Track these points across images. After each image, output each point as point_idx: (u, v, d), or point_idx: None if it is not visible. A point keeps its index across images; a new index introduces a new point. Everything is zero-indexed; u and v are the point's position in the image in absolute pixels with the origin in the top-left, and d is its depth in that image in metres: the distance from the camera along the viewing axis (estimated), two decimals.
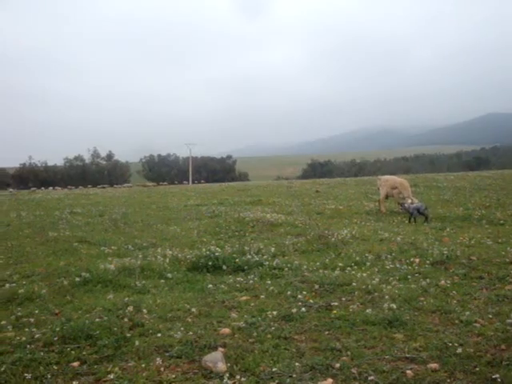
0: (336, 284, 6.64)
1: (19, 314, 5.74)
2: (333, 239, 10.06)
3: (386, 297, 5.94)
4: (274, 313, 5.50)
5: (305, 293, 6.27)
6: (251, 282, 7.03)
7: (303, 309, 5.62)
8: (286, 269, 7.66)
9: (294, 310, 5.54)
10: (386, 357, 4.30)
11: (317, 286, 6.57)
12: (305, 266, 7.80)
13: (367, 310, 5.46)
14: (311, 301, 5.96)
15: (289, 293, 6.33)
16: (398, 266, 7.62)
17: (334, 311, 5.55)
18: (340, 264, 7.83)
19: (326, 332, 4.99)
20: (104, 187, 58.73)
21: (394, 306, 5.52)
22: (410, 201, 13.43)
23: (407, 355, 4.31)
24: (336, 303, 5.82)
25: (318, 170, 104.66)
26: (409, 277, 6.93)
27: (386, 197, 15.70)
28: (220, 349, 4.56)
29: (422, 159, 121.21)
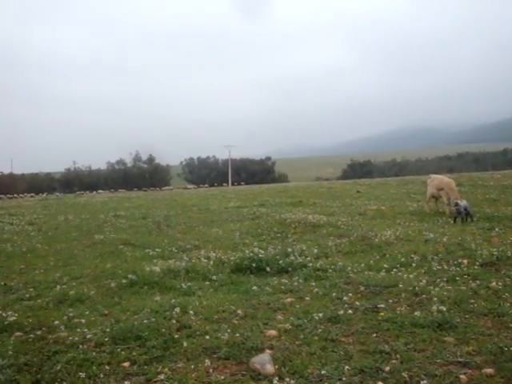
0: (382, 286, 6.54)
1: (71, 314, 5.89)
2: (376, 240, 9.94)
3: (435, 299, 5.81)
4: (320, 315, 5.45)
5: (350, 294, 6.20)
6: (295, 283, 7.01)
7: (349, 311, 5.56)
8: (330, 270, 7.60)
9: (341, 312, 5.48)
10: (438, 361, 4.20)
11: (362, 288, 6.49)
12: (349, 268, 7.71)
13: (415, 313, 5.35)
14: (357, 303, 5.88)
15: (334, 294, 6.27)
16: (445, 267, 7.44)
17: (381, 313, 5.47)
18: (385, 265, 7.72)
19: (374, 334, 4.92)
20: (146, 190, 59.84)
21: (444, 309, 5.38)
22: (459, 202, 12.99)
23: (460, 359, 4.19)
24: (383, 305, 5.73)
25: (358, 170, 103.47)
26: (457, 278, 6.75)
27: (433, 197, 15.32)
28: (267, 351, 4.55)
29: (466, 158, 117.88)
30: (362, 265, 7.90)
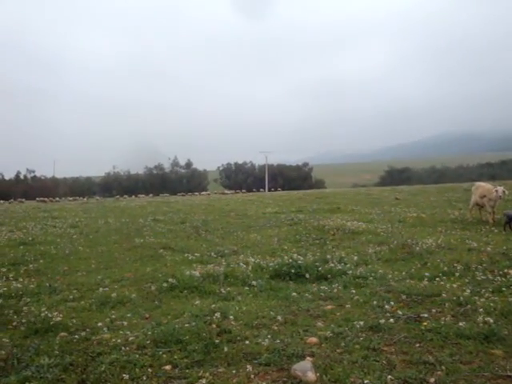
0: (424, 295, 6.40)
1: (113, 316, 6.01)
2: (417, 248, 9.74)
3: (480, 310, 5.63)
4: (361, 323, 5.37)
5: (392, 303, 6.08)
6: (335, 290, 6.94)
7: (391, 320, 5.45)
8: (371, 278, 7.49)
9: (382, 321, 5.38)
10: (485, 374, 4.06)
11: (404, 297, 6.37)
12: (390, 276, 7.59)
13: (460, 323, 5.20)
14: (399, 311, 5.77)
15: (375, 303, 6.17)
16: (490, 277, 7.22)
17: (424, 323, 5.34)
18: (427, 274, 7.54)
19: (417, 344, 4.80)
20: (184, 195, 60.60)
21: (490, 320, 5.21)
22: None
23: (509, 373, 4.04)
24: (426, 315, 5.60)
25: (396, 176, 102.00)
26: (503, 289, 6.54)
27: (477, 205, 14.96)
28: (308, 358, 4.51)
29: (509, 165, 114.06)
30: (403, 273, 7.76)
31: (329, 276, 7.76)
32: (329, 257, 8.97)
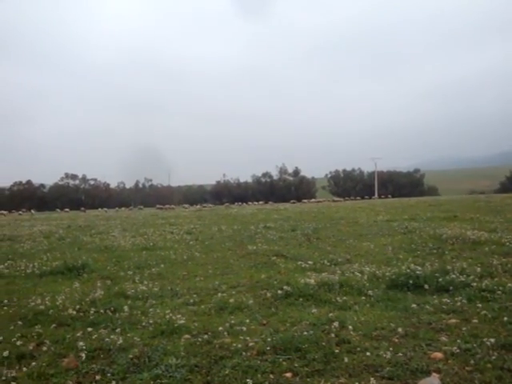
0: None
1: (232, 322, 6.14)
2: None
3: None
4: (492, 340, 5.00)
5: None
6: (458, 303, 6.54)
7: None
8: (499, 292, 6.97)
9: None
10: None
11: None
12: None
13: None
14: None
15: (505, 319, 5.72)
16: None
17: None
18: None
19: None
20: (294, 202, 61.10)
21: None
22: None
23: None
24: None
25: None
26: None
27: None
28: (434, 374, 4.30)
29: None
30: None
31: (450, 288, 7.36)
32: (449, 267, 8.51)
